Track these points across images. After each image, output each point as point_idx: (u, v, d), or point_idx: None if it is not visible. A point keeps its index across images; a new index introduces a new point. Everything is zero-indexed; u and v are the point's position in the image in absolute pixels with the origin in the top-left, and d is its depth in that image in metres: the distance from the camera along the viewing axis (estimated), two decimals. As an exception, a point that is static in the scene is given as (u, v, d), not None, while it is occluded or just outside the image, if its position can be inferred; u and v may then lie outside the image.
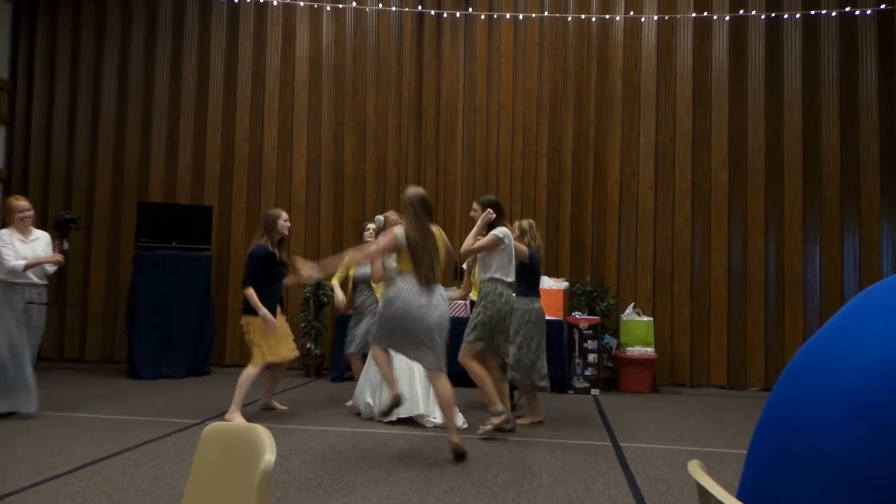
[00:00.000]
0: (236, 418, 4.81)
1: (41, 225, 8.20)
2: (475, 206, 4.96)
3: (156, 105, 8.15)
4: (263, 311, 4.82)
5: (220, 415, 5.08)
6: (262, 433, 1.25)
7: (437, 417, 5.07)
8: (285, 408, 5.41)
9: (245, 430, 1.29)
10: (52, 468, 3.67)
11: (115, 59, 8.23)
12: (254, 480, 1.15)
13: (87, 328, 8.03)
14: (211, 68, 8.13)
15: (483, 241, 4.68)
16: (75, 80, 8.26)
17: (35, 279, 5.04)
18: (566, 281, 7.15)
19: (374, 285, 5.87)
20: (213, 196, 7.96)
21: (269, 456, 1.17)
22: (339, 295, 5.82)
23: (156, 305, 7.02)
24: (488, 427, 4.60)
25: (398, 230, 4.18)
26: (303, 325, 7.33)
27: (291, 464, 3.83)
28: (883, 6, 7.26)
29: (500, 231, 4.70)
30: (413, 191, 4.23)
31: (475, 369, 4.64)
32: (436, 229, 4.25)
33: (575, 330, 6.67)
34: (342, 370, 6.97)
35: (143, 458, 3.94)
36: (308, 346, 7.25)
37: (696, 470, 1.24)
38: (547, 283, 6.91)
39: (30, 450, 4.04)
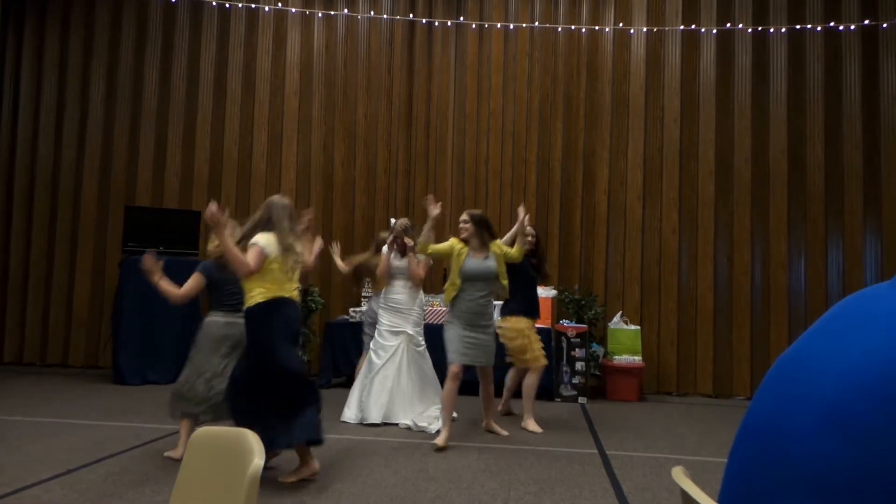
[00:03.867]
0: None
1: (26, 230, 8.16)
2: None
3: (144, 109, 8.11)
4: None
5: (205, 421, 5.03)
6: (251, 438, 1.25)
7: (423, 422, 5.09)
8: None
9: (233, 434, 1.29)
10: (34, 474, 3.63)
11: (103, 63, 8.19)
12: (242, 485, 1.15)
13: (72, 333, 7.94)
14: (201, 73, 8.10)
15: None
16: (63, 83, 8.21)
17: None
18: (554, 289, 7.18)
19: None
20: (201, 201, 7.90)
21: (258, 460, 1.17)
22: None
23: (142, 310, 6.95)
24: None
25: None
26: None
27: (278, 470, 3.81)
28: (866, 22, 7.39)
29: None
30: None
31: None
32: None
33: (563, 338, 6.69)
34: (329, 376, 6.95)
35: (127, 463, 3.91)
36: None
37: (679, 476, 1.25)
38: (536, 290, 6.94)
39: (12, 455, 3.99)
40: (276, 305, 3.60)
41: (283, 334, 3.61)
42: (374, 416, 5.16)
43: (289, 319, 3.65)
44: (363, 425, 5.13)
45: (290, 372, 3.60)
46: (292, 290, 3.71)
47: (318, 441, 3.65)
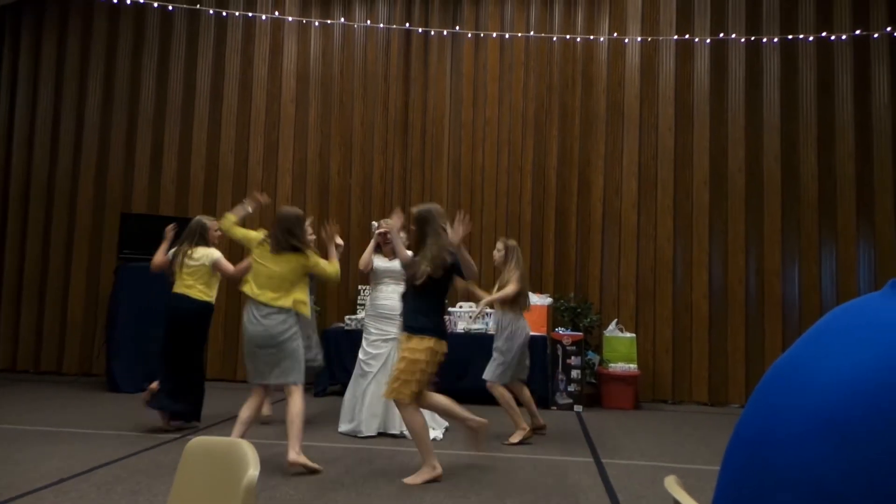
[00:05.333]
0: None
1: (21, 236, 8.14)
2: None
3: (141, 115, 8.12)
4: None
5: (200, 430, 5.02)
6: (246, 448, 1.25)
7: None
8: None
9: (229, 444, 1.29)
10: (26, 483, 3.61)
11: (100, 70, 8.20)
12: (237, 495, 1.15)
13: (66, 340, 7.91)
14: (198, 80, 8.12)
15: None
16: (59, 89, 8.22)
17: None
18: (550, 297, 7.19)
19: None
20: (197, 208, 7.90)
21: (253, 471, 1.17)
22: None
23: (137, 318, 6.93)
24: None
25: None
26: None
27: (273, 480, 3.80)
28: (858, 31, 7.46)
29: None
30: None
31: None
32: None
33: (558, 346, 6.69)
34: (326, 385, 6.93)
35: (121, 473, 3.89)
36: (291, 360, 7.20)
37: (672, 485, 1.26)
38: (531, 298, 6.94)
39: (4, 464, 3.96)
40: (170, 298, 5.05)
41: (169, 324, 5.04)
42: (369, 429, 5.05)
43: (171, 312, 5.05)
44: (359, 437, 5.08)
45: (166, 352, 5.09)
46: (182, 286, 5.00)
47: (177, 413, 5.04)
